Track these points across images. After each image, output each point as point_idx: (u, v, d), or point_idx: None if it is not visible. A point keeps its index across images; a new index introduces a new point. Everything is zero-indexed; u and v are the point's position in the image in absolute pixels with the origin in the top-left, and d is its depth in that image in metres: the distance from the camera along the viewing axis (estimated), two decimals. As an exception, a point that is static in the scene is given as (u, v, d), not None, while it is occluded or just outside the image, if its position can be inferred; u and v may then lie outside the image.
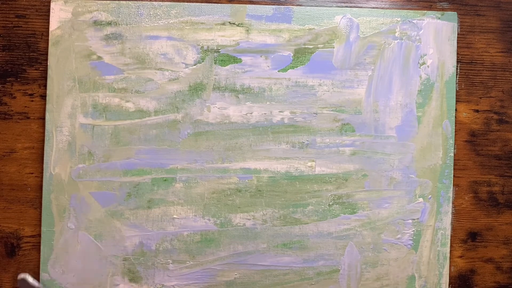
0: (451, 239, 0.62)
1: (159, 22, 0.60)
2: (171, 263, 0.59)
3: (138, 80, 0.60)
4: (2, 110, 0.60)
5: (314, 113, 0.61)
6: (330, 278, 0.60)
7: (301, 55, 0.61)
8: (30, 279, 0.51)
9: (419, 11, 0.62)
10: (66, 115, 0.59)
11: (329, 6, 0.62)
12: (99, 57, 0.60)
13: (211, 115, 0.60)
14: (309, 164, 0.60)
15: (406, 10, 0.62)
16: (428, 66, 0.61)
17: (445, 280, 0.61)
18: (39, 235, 0.59)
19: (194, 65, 0.60)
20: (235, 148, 0.60)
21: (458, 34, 0.62)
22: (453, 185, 0.62)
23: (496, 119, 0.63)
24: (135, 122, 0.60)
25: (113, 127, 0.59)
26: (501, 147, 0.63)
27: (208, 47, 0.60)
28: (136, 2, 0.60)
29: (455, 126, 0.62)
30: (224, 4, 0.60)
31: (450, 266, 0.62)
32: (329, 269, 0.60)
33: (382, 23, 0.61)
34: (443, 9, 0.62)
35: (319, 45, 0.61)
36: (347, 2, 0.62)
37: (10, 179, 0.60)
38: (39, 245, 0.59)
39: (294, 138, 0.60)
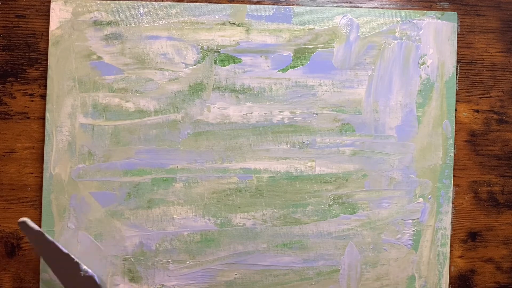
0: (451, 239, 0.62)
1: (159, 22, 0.60)
2: (171, 263, 0.60)
3: (138, 80, 0.60)
4: (2, 110, 0.60)
5: (314, 113, 0.61)
6: (330, 278, 0.60)
7: (301, 55, 0.61)
8: (30, 222, 0.54)
9: (419, 11, 0.62)
10: (66, 115, 0.59)
11: (329, 6, 0.62)
12: (99, 57, 0.60)
13: (211, 115, 0.60)
14: (309, 164, 0.60)
15: (406, 10, 0.62)
16: (428, 66, 0.61)
17: (445, 280, 0.61)
18: (39, 235, 0.59)
19: (194, 65, 0.60)
20: (235, 148, 0.60)
21: (458, 34, 0.62)
22: (453, 185, 0.62)
23: (496, 119, 0.63)
24: (135, 122, 0.60)
25: (113, 127, 0.60)
26: (501, 147, 0.63)
27: (208, 47, 0.60)
28: (136, 2, 0.60)
29: (455, 126, 0.62)
30: (224, 4, 0.60)
31: (450, 266, 0.62)
32: (329, 269, 0.60)
33: (382, 23, 0.61)
34: (443, 9, 0.63)
35: (319, 45, 0.61)
36: (347, 2, 0.62)
37: (10, 179, 0.60)
38: (39, 245, 0.59)
39: (294, 138, 0.60)
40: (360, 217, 0.61)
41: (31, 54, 0.60)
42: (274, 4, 0.61)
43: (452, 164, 0.61)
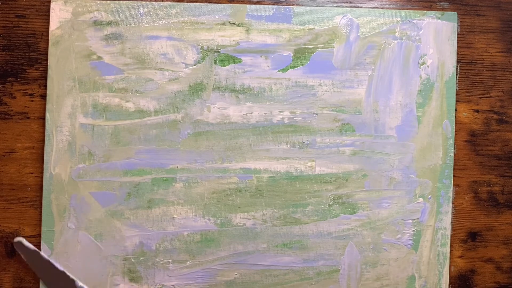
0: (451, 239, 0.62)
1: (159, 22, 0.60)
2: (171, 263, 0.60)
3: (138, 80, 0.60)
4: (2, 110, 0.60)
5: (314, 113, 0.61)
6: (330, 278, 0.60)
7: (301, 55, 0.61)
8: (26, 242, 0.55)
9: (419, 11, 0.62)
10: (66, 115, 0.59)
11: (329, 6, 0.62)
12: (99, 57, 0.60)
13: (211, 115, 0.60)
14: (309, 164, 0.60)
15: (406, 10, 0.62)
16: (428, 66, 0.61)
17: (445, 280, 0.61)
18: (39, 235, 0.59)
19: (194, 65, 0.60)
20: (235, 148, 0.60)
21: (458, 34, 0.62)
22: (453, 185, 0.62)
23: (496, 119, 0.63)
24: (135, 122, 0.60)
25: (113, 127, 0.60)
26: (501, 147, 0.63)
27: (208, 47, 0.60)
28: (136, 2, 0.60)
29: (455, 126, 0.62)
30: (224, 4, 0.60)
31: (450, 266, 0.62)
32: (329, 269, 0.60)
33: (382, 23, 0.61)
34: (443, 9, 0.63)
35: (319, 45, 0.61)
36: (347, 2, 0.62)
37: (10, 179, 0.60)
38: (39, 245, 0.59)
39: (294, 138, 0.60)
40: (360, 217, 0.61)
41: (31, 54, 0.60)
42: (274, 4, 0.61)
43: (452, 164, 0.61)
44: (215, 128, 0.60)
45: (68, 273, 0.55)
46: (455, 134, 0.62)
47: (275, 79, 0.60)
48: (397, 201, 0.61)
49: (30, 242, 0.60)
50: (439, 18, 0.62)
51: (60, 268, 0.55)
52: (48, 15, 0.60)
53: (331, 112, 0.61)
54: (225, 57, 0.60)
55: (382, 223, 0.61)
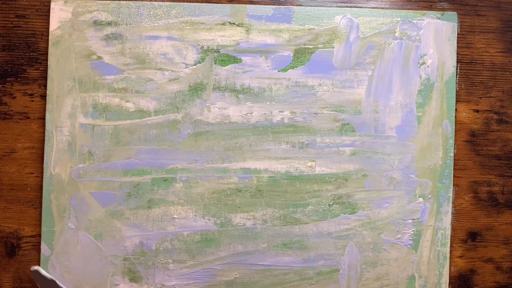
0: (451, 239, 0.62)
1: (159, 22, 0.60)
2: (171, 263, 0.60)
3: (138, 80, 0.60)
4: (2, 110, 0.60)
5: (314, 113, 0.61)
6: (330, 278, 0.60)
7: (301, 55, 0.61)
8: (43, 271, 0.54)
9: (419, 11, 0.62)
10: (66, 115, 0.59)
11: (329, 6, 0.62)
12: (99, 57, 0.60)
13: (211, 115, 0.60)
14: (309, 164, 0.60)
15: (406, 10, 0.62)
16: (428, 66, 0.61)
17: (445, 280, 0.61)
18: (39, 235, 0.59)
19: (194, 65, 0.60)
20: (235, 148, 0.60)
21: (458, 34, 0.62)
22: (453, 185, 0.62)
23: (496, 119, 0.63)
24: (135, 122, 0.60)
25: (113, 127, 0.60)
26: (501, 147, 0.63)
27: (208, 47, 0.60)
28: (136, 2, 0.60)
29: (455, 126, 0.62)
30: (224, 4, 0.60)
31: (450, 266, 0.62)
32: (329, 269, 0.60)
33: (382, 23, 0.61)
34: (443, 9, 0.62)
35: (319, 45, 0.61)
36: (347, 2, 0.62)
37: (10, 179, 0.60)
38: (39, 245, 0.59)
39: (294, 138, 0.60)
40: (360, 217, 0.61)
41: (31, 54, 0.60)
42: (274, 4, 0.61)
43: (452, 164, 0.61)
44: (215, 128, 0.60)
45: None
46: (455, 134, 0.62)
47: (275, 79, 0.60)
48: (397, 201, 0.61)
49: (30, 242, 0.60)
50: (439, 18, 0.62)
51: None
52: (48, 15, 0.60)
53: (331, 112, 0.61)
54: (225, 57, 0.60)
55: (382, 223, 0.61)
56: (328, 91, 0.61)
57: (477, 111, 0.63)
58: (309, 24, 0.61)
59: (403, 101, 0.61)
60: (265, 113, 0.60)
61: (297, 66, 0.61)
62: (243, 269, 0.60)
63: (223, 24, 0.60)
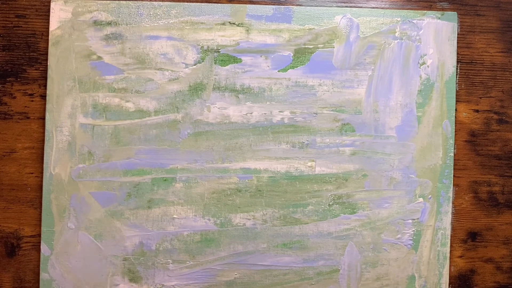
0: (451, 239, 0.62)
1: (159, 22, 0.60)
2: (171, 263, 0.60)
3: (138, 80, 0.60)
4: (2, 110, 0.60)
5: (314, 113, 0.61)
6: (330, 278, 0.60)
7: (301, 55, 0.61)
8: None
9: (419, 11, 0.62)
10: (66, 115, 0.59)
11: (329, 6, 0.62)
12: (99, 57, 0.60)
13: (211, 115, 0.60)
14: (309, 164, 0.60)
15: (406, 10, 0.62)
16: (428, 66, 0.61)
17: (445, 280, 0.61)
18: (39, 235, 0.59)
19: (194, 65, 0.60)
20: (235, 148, 0.60)
21: (458, 34, 0.62)
22: (453, 185, 0.62)
23: (496, 119, 0.63)
24: (135, 122, 0.60)
25: (113, 127, 0.60)
26: (501, 147, 0.63)
27: (208, 47, 0.60)
28: (136, 2, 0.60)
29: (455, 126, 0.62)
30: (224, 4, 0.60)
31: (450, 266, 0.62)
32: (329, 269, 0.60)
33: (382, 23, 0.61)
34: (443, 9, 0.62)
35: (319, 45, 0.61)
36: (347, 2, 0.62)
37: (10, 179, 0.60)
38: (39, 245, 0.59)
39: (294, 138, 0.60)
40: (360, 217, 0.61)
41: (31, 54, 0.60)
42: (274, 4, 0.61)
43: (452, 164, 0.61)
44: (215, 128, 0.60)
45: None
46: (455, 134, 0.62)
47: (275, 79, 0.60)
48: (397, 201, 0.61)
49: (30, 242, 0.60)
50: (439, 18, 0.62)
51: None
52: (48, 15, 0.60)
53: (331, 112, 0.61)
54: (225, 57, 0.60)
55: (382, 223, 0.61)
56: (328, 91, 0.61)
57: (477, 111, 0.63)
58: (309, 24, 0.61)
59: (403, 101, 0.61)
60: (265, 113, 0.60)
61: (297, 66, 0.61)
62: (243, 269, 0.60)
63: (223, 24, 0.60)
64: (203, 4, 0.60)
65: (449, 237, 0.61)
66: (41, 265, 0.59)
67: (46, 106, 0.59)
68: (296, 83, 0.61)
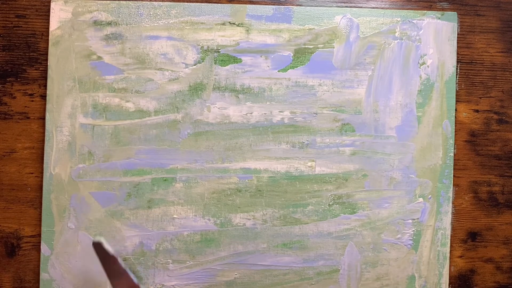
0: (451, 239, 0.62)
1: (159, 22, 0.60)
2: (171, 263, 0.60)
3: (138, 80, 0.60)
4: (2, 110, 0.60)
5: (314, 113, 0.61)
6: (330, 278, 0.60)
7: (301, 55, 0.61)
8: (106, 245, 0.51)
9: (419, 11, 0.62)
10: (66, 115, 0.59)
11: (329, 6, 0.62)
12: (99, 57, 0.60)
13: (211, 115, 0.60)
14: (309, 164, 0.60)
15: (406, 10, 0.62)
16: (428, 66, 0.61)
17: (445, 280, 0.61)
18: (39, 235, 0.59)
19: (194, 65, 0.60)
20: (235, 148, 0.60)
21: (458, 34, 0.62)
22: (453, 185, 0.62)
23: (496, 119, 0.63)
24: (135, 122, 0.60)
25: (113, 127, 0.60)
26: (501, 147, 0.63)
27: (208, 47, 0.60)
28: (136, 2, 0.60)
29: (455, 126, 0.62)
30: (224, 4, 0.60)
31: (450, 266, 0.62)
32: (329, 269, 0.60)
33: (382, 23, 0.61)
34: (443, 9, 0.63)
35: (319, 45, 0.61)
36: (347, 2, 0.62)
37: (10, 179, 0.60)
38: (39, 245, 0.59)
39: (294, 138, 0.60)
40: (360, 217, 0.61)
41: (31, 54, 0.60)
42: (274, 4, 0.61)
43: (452, 164, 0.61)
44: (215, 128, 0.60)
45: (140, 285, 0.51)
46: (455, 134, 0.62)
47: (275, 79, 0.60)
48: (397, 201, 0.61)
49: (30, 242, 0.60)
50: (439, 18, 0.62)
51: (135, 280, 0.51)
52: (48, 15, 0.60)
53: (331, 112, 0.61)
54: (225, 57, 0.60)
55: (382, 223, 0.61)
56: (328, 91, 0.61)
57: (477, 111, 0.63)
58: (309, 24, 0.61)
59: (403, 101, 0.61)
60: (265, 113, 0.60)
61: (297, 66, 0.61)
62: (243, 269, 0.60)
63: (223, 24, 0.60)
64: (203, 4, 0.60)
65: (449, 237, 0.61)
66: (41, 265, 0.59)
67: (46, 106, 0.59)
68: (296, 83, 0.61)
